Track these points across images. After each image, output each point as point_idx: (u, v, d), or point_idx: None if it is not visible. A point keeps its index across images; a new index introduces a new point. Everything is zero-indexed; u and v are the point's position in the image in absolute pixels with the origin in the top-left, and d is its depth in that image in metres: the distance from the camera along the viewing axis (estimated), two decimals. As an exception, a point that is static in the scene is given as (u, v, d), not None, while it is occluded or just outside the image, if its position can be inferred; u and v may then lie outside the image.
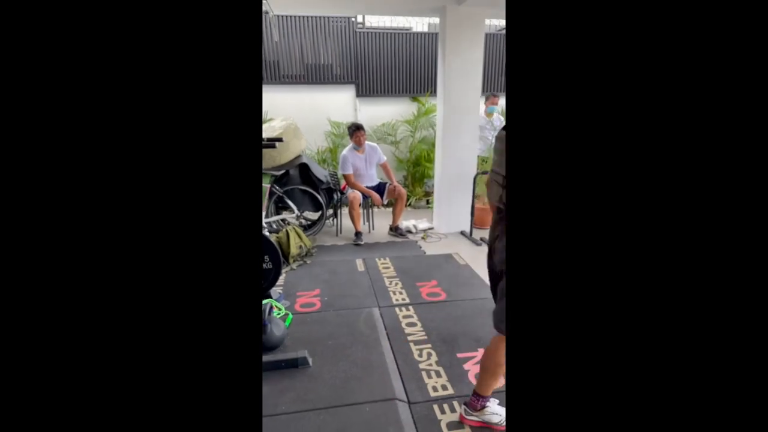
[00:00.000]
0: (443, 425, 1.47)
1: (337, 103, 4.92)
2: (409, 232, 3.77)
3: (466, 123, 3.57)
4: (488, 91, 4.83)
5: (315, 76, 4.79)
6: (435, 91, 3.90)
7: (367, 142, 3.61)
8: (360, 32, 4.79)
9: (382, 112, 5.00)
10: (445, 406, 1.57)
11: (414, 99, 5.07)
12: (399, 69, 4.97)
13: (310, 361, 1.80)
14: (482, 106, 4.10)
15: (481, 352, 1.90)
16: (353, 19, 4.77)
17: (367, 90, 4.94)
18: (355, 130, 3.53)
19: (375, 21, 5.41)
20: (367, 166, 3.64)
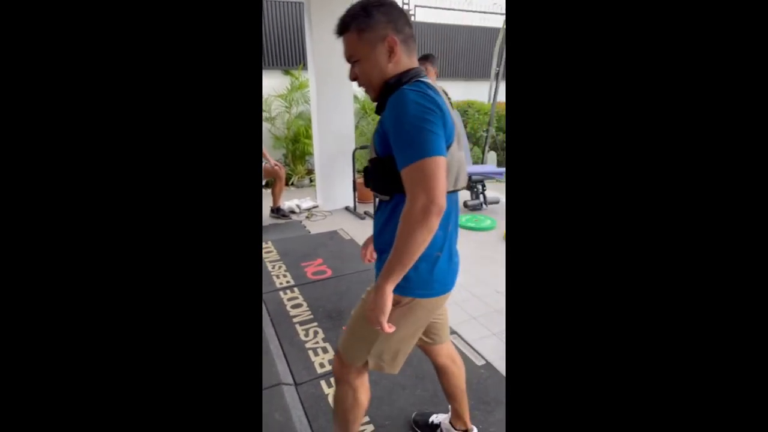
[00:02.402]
0: (330, 399, 1.49)
1: (199, 77, 4.40)
2: (293, 212, 3.65)
3: (341, 97, 3.53)
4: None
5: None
6: (307, 65, 3.75)
7: None
8: (217, -4, 4.30)
9: (253, 87, 4.65)
10: (332, 380, 1.58)
11: (286, 72, 4.82)
12: (266, 40, 4.64)
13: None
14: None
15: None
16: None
17: (233, 62, 4.51)
18: None
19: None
20: None
